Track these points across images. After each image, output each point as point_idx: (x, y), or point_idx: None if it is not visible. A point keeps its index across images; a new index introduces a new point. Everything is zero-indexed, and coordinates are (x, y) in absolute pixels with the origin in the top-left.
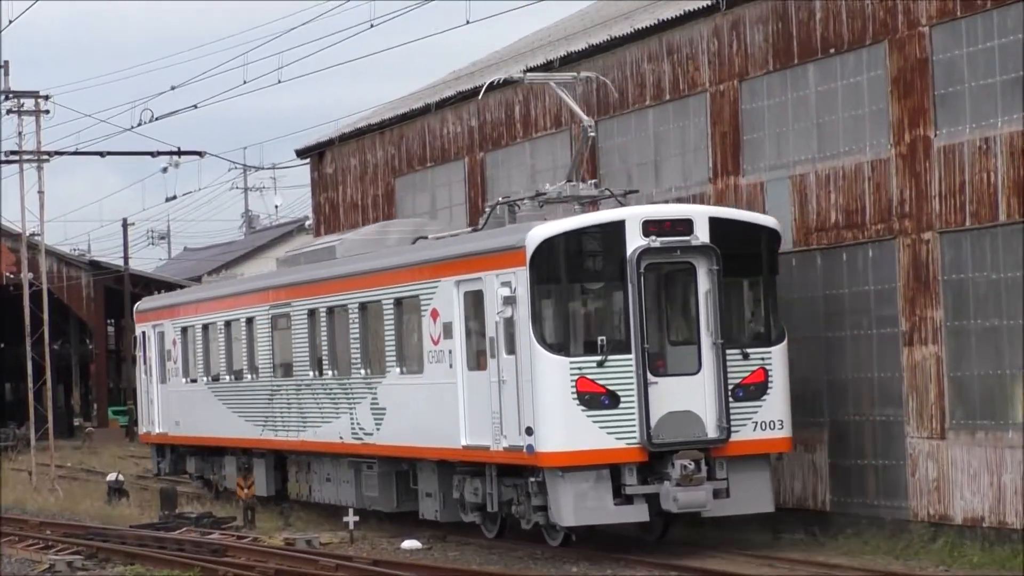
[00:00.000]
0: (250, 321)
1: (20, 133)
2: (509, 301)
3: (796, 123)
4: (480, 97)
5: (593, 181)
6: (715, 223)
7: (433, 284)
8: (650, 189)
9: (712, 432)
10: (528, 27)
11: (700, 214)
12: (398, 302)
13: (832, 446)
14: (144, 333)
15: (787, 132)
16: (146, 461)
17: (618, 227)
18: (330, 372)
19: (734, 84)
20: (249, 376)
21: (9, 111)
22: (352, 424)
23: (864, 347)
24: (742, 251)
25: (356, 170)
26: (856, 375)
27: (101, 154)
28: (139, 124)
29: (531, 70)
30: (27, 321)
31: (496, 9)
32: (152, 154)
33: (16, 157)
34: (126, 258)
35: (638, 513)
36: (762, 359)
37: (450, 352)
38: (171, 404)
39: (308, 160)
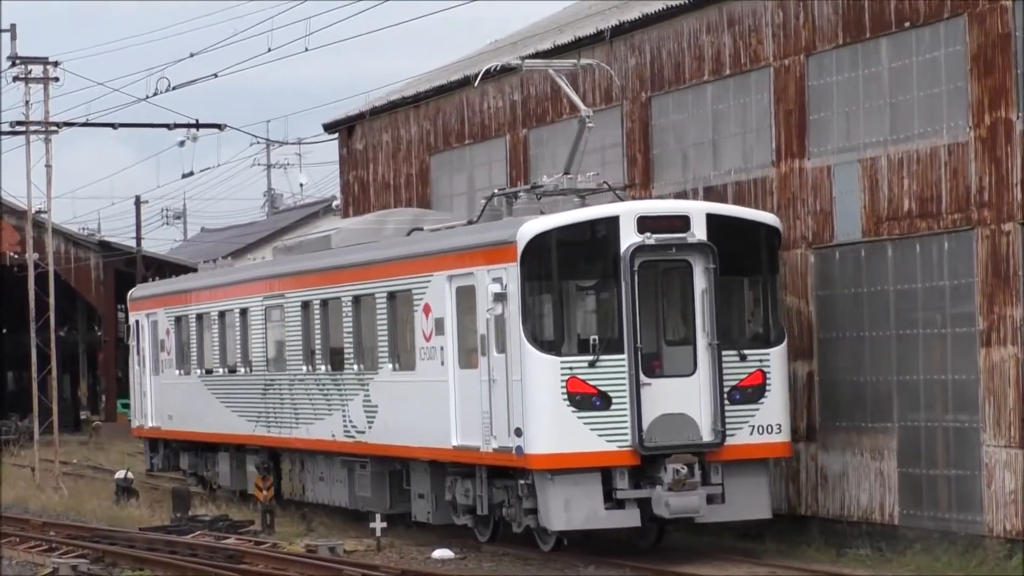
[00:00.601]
0: (244, 312)
1: (27, 102)
2: (500, 298)
3: (867, 102)
4: (476, 84)
5: (592, 174)
6: (712, 220)
7: (426, 278)
8: (707, 171)
9: (707, 435)
10: None
11: (697, 210)
12: (391, 296)
13: (901, 454)
14: (137, 322)
15: (857, 112)
16: None
17: (612, 223)
18: (323, 367)
19: (800, 59)
20: (243, 369)
21: (15, 78)
22: (344, 422)
23: (937, 347)
24: (741, 249)
25: (388, 147)
26: (928, 377)
27: (113, 125)
28: (155, 94)
29: (580, 41)
30: (31, 305)
31: None
32: (168, 126)
33: (22, 128)
34: (139, 239)
35: (629, 518)
36: (760, 361)
37: (442, 349)
38: (164, 397)
39: (336, 135)
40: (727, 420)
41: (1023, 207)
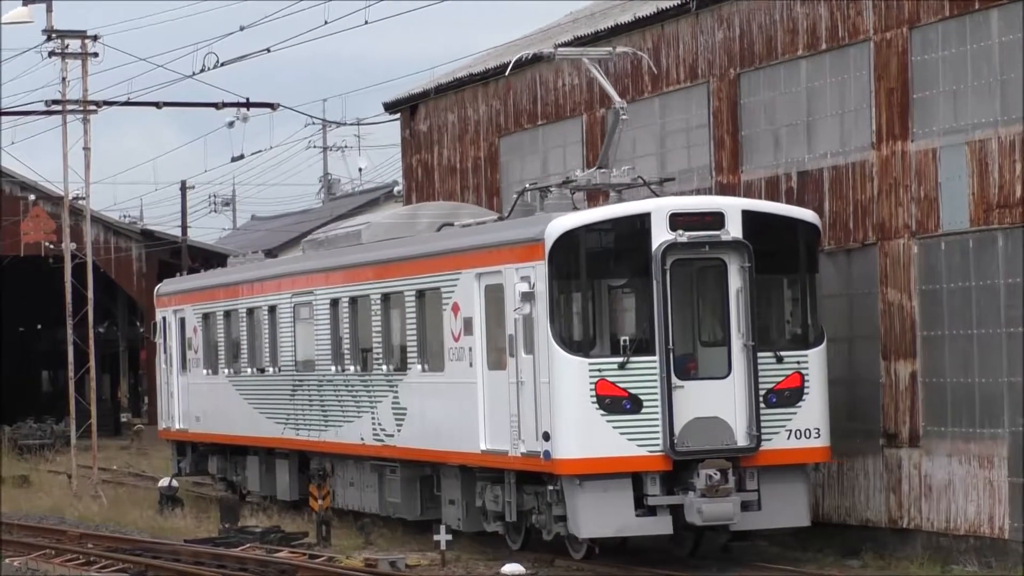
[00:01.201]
0: (273, 309)
1: (64, 79)
2: (528, 297)
3: (976, 79)
4: (507, 73)
5: (627, 168)
6: (748, 217)
7: (455, 276)
8: (801, 155)
9: (742, 440)
10: None
11: (732, 207)
12: (420, 294)
13: (1012, 462)
14: (164, 319)
15: (965, 90)
16: None
17: (643, 220)
18: (352, 368)
19: (903, 32)
20: (271, 369)
21: (51, 53)
22: (374, 424)
23: None
24: (778, 247)
25: (454, 128)
26: None
27: (157, 105)
28: (202, 70)
29: (663, 13)
30: (68, 299)
31: None
32: (216, 106)
33: (59, 107)
34: (184, 227)
35: (661, 525)
36: (798, 363)
37: (470, 350)
38: (191, 398)
39: (398, 115)
40: (763, 424)
41: None
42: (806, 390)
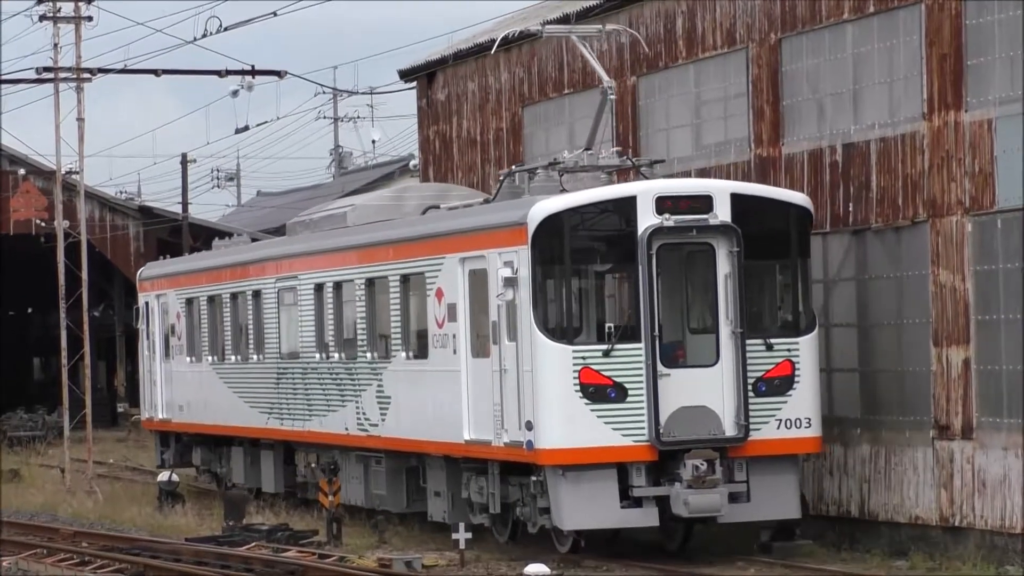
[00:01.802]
0: (257, 294)
1: (56, 45)
2: (511, 282)
3: None
4: (493, 51)
5: (616, 149)
6: (737, 200)
7: (439, 261)
8: (847, 125)
9: (729, 430)
10: None
11: (721, 190)
12: (404, 279)
13: None
14: (147, 304)
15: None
16: None
17: (629, 203)
18: (336, 355)
19: None
20: (255, 357)
21: (42, 17)
22: (358, 414)
23: None
24: (768, 231)
25: (475, 97)
26: None
27: (155, 72)
28: (203, 36)
29: None
30: (61, 281)
31: None
32: (219, 73)
33: (50, 75)
34: (185, 204)
35: (647, 517)
36: (788, 350)
37: (454, 337)
38: (175, 386)
39: (414, 84)
40: (752, 413)
41: None
42: (797, 378)
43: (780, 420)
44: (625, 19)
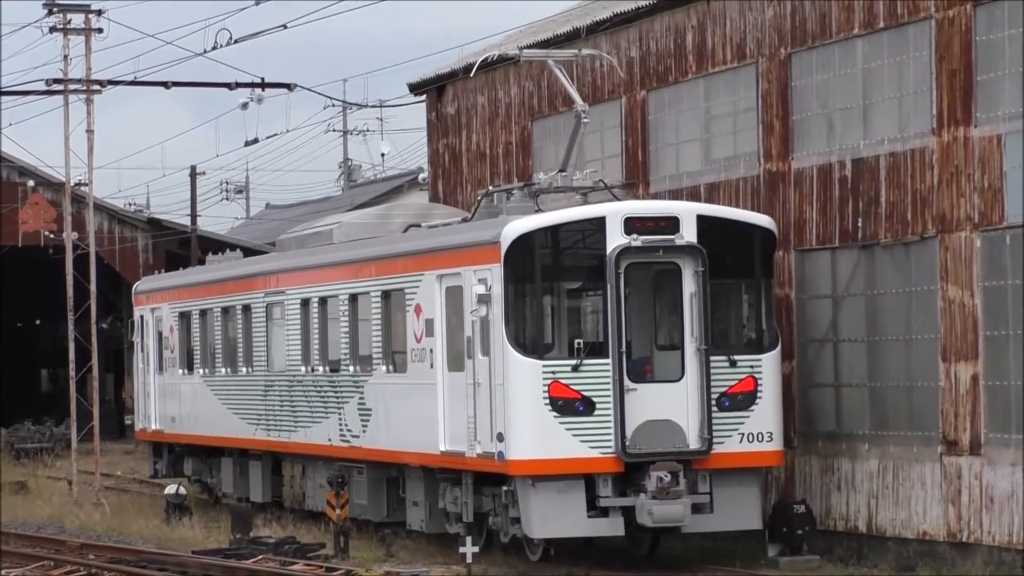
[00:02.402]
0: (247, 309)
1: (66, 57)
2: (484, 299)
3: None
4: (472, 74)
5: (590, 171)
6: (703, 221)
7: (417, 278)
8: (856, 140)
9: (693, 443)
10: None
11: (687, 212)
12: (385, 295)
13: None
14: (142, 317)
15: None
16: None
17: (598, 224)
18: (321, 368)
19: (967, 10)
20: (244, 370)
21: (52, 29)
22: (340, 425)
23: None
24: (733, 252)
25: (484, 110)
26: None
27: (165, 84)
28: (214, 48)
29: None
30: (69, 293)
31: None
32: (229, 86)
33: (60, 86)
34: (194, 216)
35: (613, 527)
36: (751, 367)
37: (431, 351)
38: (167, 398)
39: (424, 97)
40: (715, 427)
41: None
42: (759, 394)
43: (743, 434)
44: (636, 33)
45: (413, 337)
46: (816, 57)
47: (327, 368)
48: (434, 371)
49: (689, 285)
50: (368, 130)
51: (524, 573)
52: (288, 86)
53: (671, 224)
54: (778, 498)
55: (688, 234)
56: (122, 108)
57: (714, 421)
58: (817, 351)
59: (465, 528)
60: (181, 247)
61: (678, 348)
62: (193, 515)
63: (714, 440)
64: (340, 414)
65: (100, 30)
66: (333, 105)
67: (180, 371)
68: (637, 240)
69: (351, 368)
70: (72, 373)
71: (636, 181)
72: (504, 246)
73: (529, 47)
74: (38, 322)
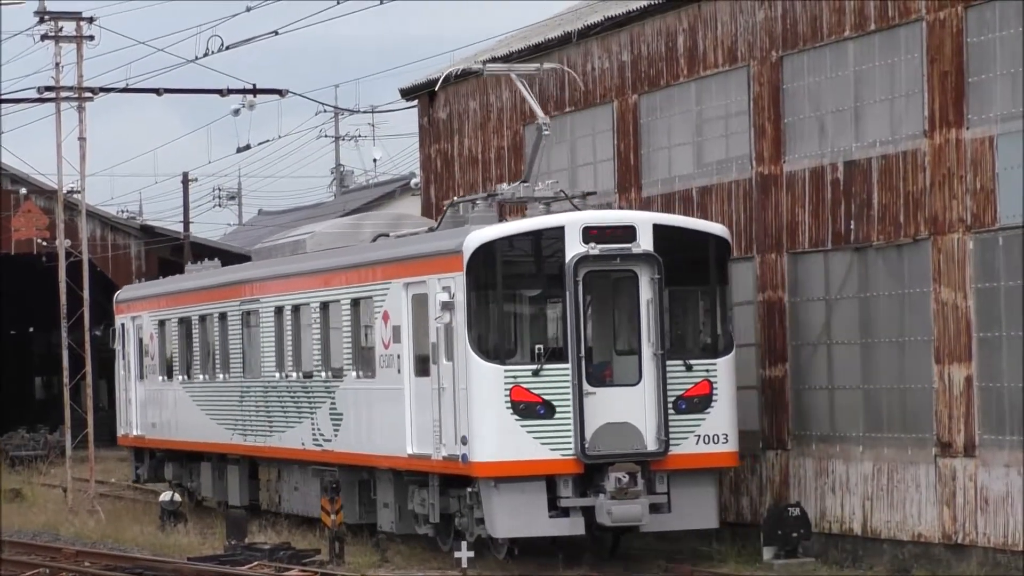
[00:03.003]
0: (223, 316)
1: (57, 64)
2: (448, 306)
3: None
4: (438, 88)
5: (551, 181)
6: (659, 230)
7: (385, 286)
8: (848, 143)
9: (651, 445)
10: None
11: (644, 221)
12: (355, 303)
13: None
14: (123, 325)
15: None
16: None
17: (557, 233)
18: (294, 374)
19: (958, 11)
20: (221, 376)
21: (44, 36)
22: (313, 430)
23: None
24: (689, 260)
25: (476, 115)
26: None
27: (157, 91)
28: (205, 55)
29: None
30: (63, 300)
31: None
32: (221, 92)
33: (52, 94)
34: (186, 222)
35: (573, 526)
36: (707, 371)
37: (398, 357)
38: (148, 404)
39: (415, 102)
40: (672, 430)
41: None
42: (715, 397)
43: (699, 436)
44: (627, 37)
45: (381, 343)
46: (807, 60)
47: (300, 374)
48: (401, 376)
49: (645, 292)
50: (360, 136)
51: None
52: (280, 92)
53: (628, 233)
54: (773, 501)
55: (644, 242)
56: (114, 115)
57: (671, 424)
58: (810, 354)
59: (433, 529)
60: (174, 254)
61: (635, 353)
62: (188, 522)
63: (671, 442)
64: (313, 419)
65: (91, 37)
66: (325, 111)
67: (160, 378)
68: (595, 249)
69: (323, 374)
70: (66, 380)
71: (595, 191)
72: (466, 255)
73: (520, 51)
74: (31, 330)
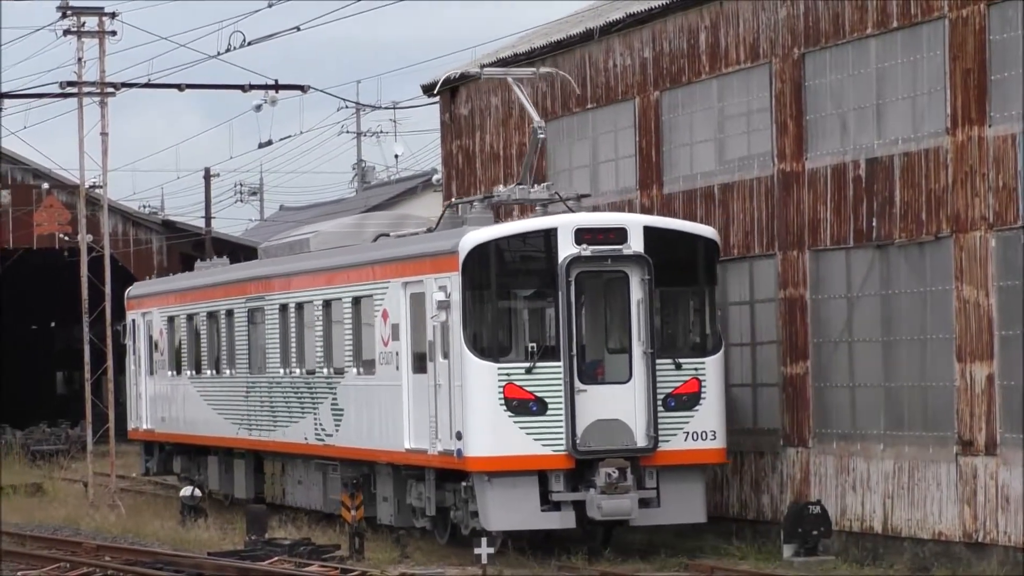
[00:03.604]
0: (230, 313)
1: (80, 60)
2: (444, 305)
3: None
4: (436, 92)
5: (546, 184)
6: (650, 232)
7: (384, 285)
8: (870, 140)
9: (640, 441)
10: None
11: (634, 223)
12: (356, 301)
13: None
14: (134, 321)
15: None
16: None
17: (551, 235)
18: (298, 370)
19: (980, 9)
20: (228, 371)
21: (66, 32)
22: (315, 424)
23: None
24: (679, 261)
25: (498, 112)
26: None
27: (179, 87)
28: (227, 50)
29: None
30: (84, 295)
31: None
32: (243, 88)
33: (74, 89)
34: (208, 218)
35: (565, 520)
36: (696, 369)
37: (397, 354)
38: (157, 399)
39: (437, 98)
40: (661, 426)
41: None
42: (703, 395)
43: (688, 433)
44: (648, 34)
45: (381, 341)
46: (830, 57)
47: (303, 370)
48: (399, 373)
49: (636, 292)
50: (382, 132)
51: (539, 574)
52: (302, 88)
53: (619, 235)
54: (793, 498)
55: (635, 244)
56: (136, 110)
57: (660, 420)
58: (832, 351)
59: (430, 522)
60: (195, 249)
61: (626, 351)
62: (208, 517)
63: (660, 438)
64: (315, 414)
65: (114, 33)
66: (347, 107)
67: (169, 373)
68: (587, 250)
69: (325, 370)
70: (87, 375)
71: (588, 194)
72: (462, 255)
73: (544, 49)
74: (53, 325)
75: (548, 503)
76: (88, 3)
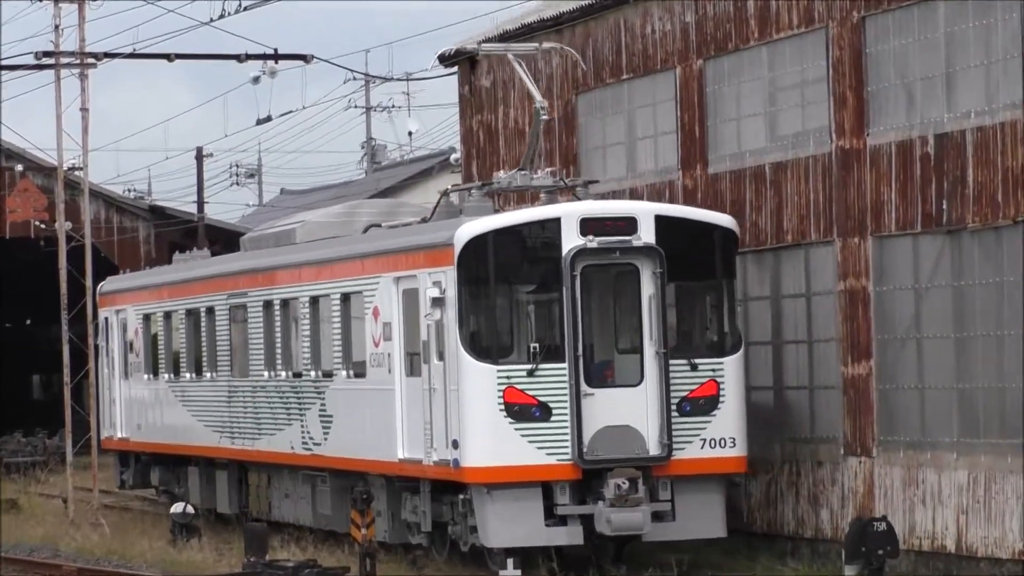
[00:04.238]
0: (211, 311)
1: (57, 27)
2: (438, 302)
3: None
4: (430, 68)
5: (550, 170)
6: (662, 221)
7: (375, 280)
8: (939, 114)
9: (653, 449)
10: None
11: (645, 212)
12: (345, 298)
13: None
14: (107, 319)
15: None
16: None
17: (553, 225)
18: (283, 373)
19: None
20: (209, 374)
21: None
22: (303, 433)
23: None
24: (693, 252)
25: (523, 83)
26: None
27: (168, 57)
28: (221, 16)
29: None
30: (63, 290)
31: None
32: (239, 58)
33: (51, 60)
34: (200, 203)
35: (571, 535)
36: (713, 370)
37: (389, 355)
38: (133, 404)
39: (455, 69)
40: (676, 433)
41: None
42: (722, 398)
43: (704, 440)
44: None
45: (372, 341)
46: (893, 21)
47: (290, 373)
48: (392, 376)
49: (647, 287)
50: (393, 106)
51: None
52: (304, 57)
53: (628, 225)
54: (856, 514)
55: (646, 235)
56: (120, 84)
57: (674, 427)
58: (898, 349)
59: (427, 539)
60: (187, 237)
61: (638, 352)
62: (202, 536)
63: (674, 446)
64: (302, 421)
65: None
66: (354, 79)
67: (145, 376)
68: (593, 241)
69: (313, 373)
70: (67, 379)
71: (597, 180)
72: (457, 248)
73: (573, 13)
74: (29, 323)
75: (553, 517)
76: None
